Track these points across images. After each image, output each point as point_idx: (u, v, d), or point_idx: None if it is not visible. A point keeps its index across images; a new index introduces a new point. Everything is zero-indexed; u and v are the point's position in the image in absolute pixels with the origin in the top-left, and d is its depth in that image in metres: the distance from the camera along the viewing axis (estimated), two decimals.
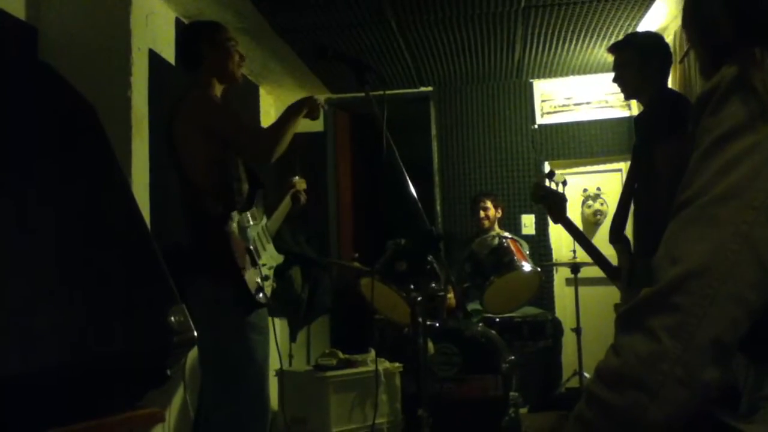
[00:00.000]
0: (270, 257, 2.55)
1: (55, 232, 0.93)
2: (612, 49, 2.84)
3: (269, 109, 5.45)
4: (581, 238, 2.98)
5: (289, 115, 2.49)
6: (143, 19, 3.29)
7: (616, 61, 2.83)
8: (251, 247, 2.39)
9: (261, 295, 2.34)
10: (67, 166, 0.98)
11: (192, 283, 2.25)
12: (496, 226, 4.68)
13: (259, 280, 2.37)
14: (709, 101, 0.89)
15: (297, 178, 2.95)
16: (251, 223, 2.47)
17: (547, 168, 5.38)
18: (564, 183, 3.09)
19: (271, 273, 2.50)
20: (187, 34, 2.63)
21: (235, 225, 2.34)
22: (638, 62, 2.71)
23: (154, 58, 3.37)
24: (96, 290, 0.93)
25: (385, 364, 3.62)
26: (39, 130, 0.98)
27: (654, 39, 2.83)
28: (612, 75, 2.82)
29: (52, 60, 2.91)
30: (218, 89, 2.53)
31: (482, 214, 4.65)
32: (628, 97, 2.92)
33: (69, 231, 0.94)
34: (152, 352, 0.98)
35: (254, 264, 2.37)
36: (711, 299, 0.80)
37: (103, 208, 1.00)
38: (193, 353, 3.39)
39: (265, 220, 2.63)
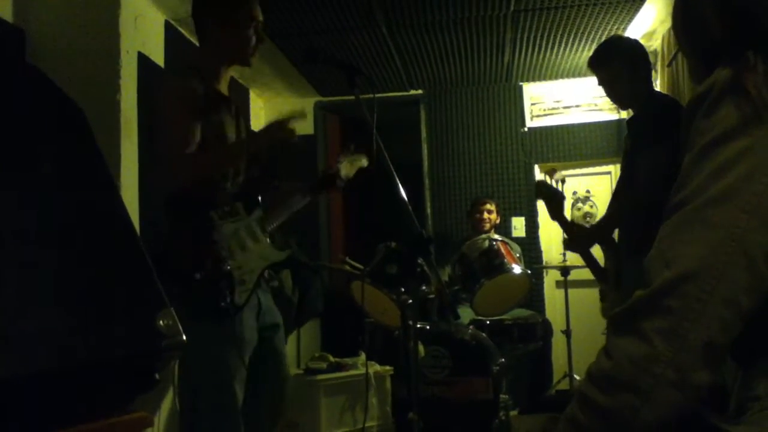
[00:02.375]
0: (258, 257, 2.25)
1: (42, 235, 0.92)
2: (595, 65, 2.80)
3: (259, 112, 5.44)
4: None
5: (241, 149, 2.24)
6: (132, 22, 3.27)
7: (601, 75, 2.80)
8: (218, 250, 2.10)
9: (223, 303, 2.05)
10: (54, 169, 0.97)
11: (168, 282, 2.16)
12: (493, 231, 4.69)
13: (224, 284, 2.07)
14: (702, 103, 0.89)
15: (347, 158, 2.70)
16: (228, 220, 2.18)
17: (537, 172, 5.42)
18: (563, 182, 3.13)
19: (251, 276, 2.19)
20: (196, 3, 2.30)
21: (204, 225, 2.11)
22: (628, 73, 2.70)
23: (142, 60, 3.36)
24: (82, 293, 0.92)
25: (375, 368, 3.62)
26: (25, 133, 0.97)
27: (634, 44, 2.83)
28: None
29: (41, 63, 2.90)
30: (223, 75, 2.29)
31: (486, 215, 4.67)
32: (624, 108, 2.90)
33: (55, 234, 0.94)
34: (141, 356, 0.97)
35: (218, 268, 2.08)
36: (703, 303, 0.80)
37: (91, 210, 1.00)
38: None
39: (258, 213, 2.34)
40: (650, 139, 2.58)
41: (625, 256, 2.72)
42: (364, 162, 2.79)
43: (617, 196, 2.89)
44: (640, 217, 2.57)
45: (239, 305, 2.10)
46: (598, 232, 2.92)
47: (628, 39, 3.00)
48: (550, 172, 3.11)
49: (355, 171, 2.78)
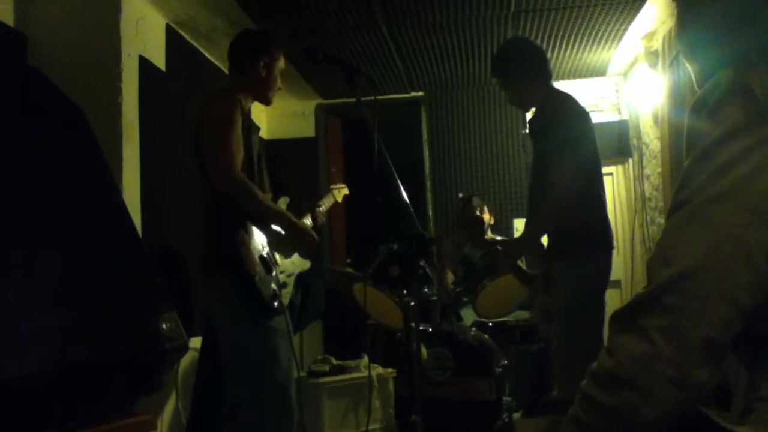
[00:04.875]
0: (292, 264, 2.57)
1: (45, 238, 0.92)
2: (492, 73, 3.07)
3: (260, 114, 5.44)
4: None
5: (279, 216, 2.50)
6: (133, 25, 3.28)
7: (498, 82, 2.99)
8: (265, 255, 2.40)
9: (276, 303, 2.37)
10: (56, 171, 0.97)
11: (211, 284, 2.35)
12: (489, 231, 4.68)
13: (274, 286, 2.39)
14: (705, 105, 0.89)
15: (334, 188, 3.06)
16: (269, 230, 2.49)
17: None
18: (481, 210, 3.36)
19: (290, 280, 2.53)
20: (253, 39, 2.64)
21: (251, 232, 2.37)
22: (513, 78, 2.87)
23: (144, 63, 3.36)
24: (84, 296, 0.92)
25: (378, 370, 3.61)
26: (28, 135, 0.97)
27: (520, 48, 2.97)
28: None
29: (42, 66, 2.89)
30: (248, 101, 2.57)
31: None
32: (523, 109, 3.11)
33: (58, 237, 0.94)
34: (144, 359, 0.97)
35: (269, 271, 2.39)
36: (703, 300, 0.80)
37: (93, 213, 1.00)
38: (185, 360, 3.37)
39: None
40: (556, 140, 2.70)
41: (556, 258, 2.76)
42: (346, 190, 3.16)
43: (536, 200, 2.90)
44: (567, 218, 2.64)
45: (285, 305, 2.44)
46: (527, 242, 2.94)
47: (514, 43, 3.16)
48: (471, 201, 3.27)
49: (341, 198, 3.13)
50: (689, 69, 1.03)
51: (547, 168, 2.71)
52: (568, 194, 2.64)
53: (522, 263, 3.34)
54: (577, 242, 2.72)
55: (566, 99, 2.87)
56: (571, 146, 2.70)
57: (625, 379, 0.82)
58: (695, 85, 1.00)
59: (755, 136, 0.83)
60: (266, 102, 2.62)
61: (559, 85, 5.34)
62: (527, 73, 2.85)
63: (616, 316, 0.87)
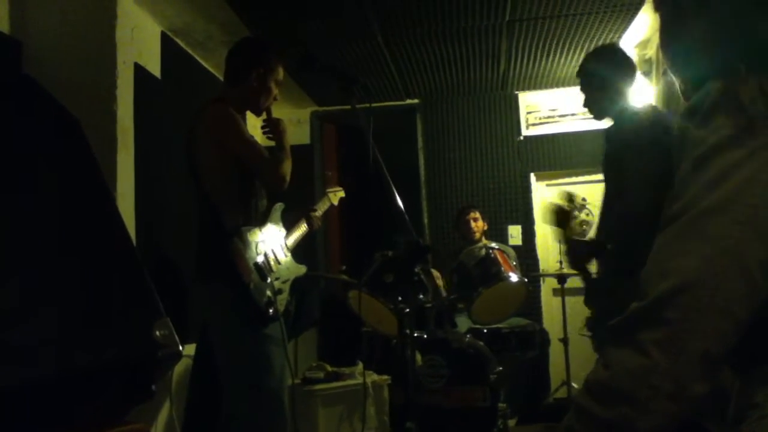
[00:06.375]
0: (287, 270, 2.56)
1: (39, 247, 0.92)
2: (579, 73, 2.85)
3: (256, 123, 5.44)
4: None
5: (287, 144, 2.56)
6: (129, 33, 3.28)
7: (583, 82, 2.82)
8: (260, 262, 2.39)
9: (272, 310, 2.36)
10: (50, 179, 0.97)
11: (206, 291, 2.35)
12: (483, 238, 4.69)
13: (269, 293, 2.38)
14: (695, 115, 0.89)
15: (329, 192, 3.07)
16: (265, 237, 2.48)
17: (533, 180, 5.42)
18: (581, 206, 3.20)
19: (286, 287, 2.52)
20: (249, 48, 2.61)
21: (245, 239, 2.36)
22: (606, 83, 2.70)
23: (139, 71, 3.36)
24: (79, 304, 0.92)
25: (372, 377, 3.60)
26: (22, 142, 0.97)
27: (616, 56, 2.80)
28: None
29: (37, 73, 2.89)
30: (237, 111, 2.55)
31: (472, 224, 4.65)
32: (599, 118, 2.85)
33: (53, 245, 0.94)
34: (137, 367, 0.97)
35: (264, 278, 2.38)
36: (700, 313, 0.80)
37: (87, 221, 1.00)
38: (179, 367, 3.36)
39: (284, 232, 2.65)
40: (635, 150, 2.56)
41: (626, 274, 2.71)
42: (342, 193, 3.15)
43: (609, 209, 2.86)
44: (636, 231, 2.57)
45: (281, 312, 2.42)
46: (596, 247, 2.93)
47: (612, 50, 2.98)
48: (569, 198, 3.15)
49: (337, 201, 3.13)
50: (675, 80, 1.04)
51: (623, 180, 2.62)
52: (636, 208, 2.52)
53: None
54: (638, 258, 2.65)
55: (651, 114, 2.72)
56: (644, 161, 2.52)
57: (620, 393, 0.82)
58: (681, 97, 1.01)
59: (746, 148, 0.83)
60: (257, 112, 2.60)
61: (555, 92, 5.42)
62: (609, 82, 2.72)
63: (612, 328, 0.87)
